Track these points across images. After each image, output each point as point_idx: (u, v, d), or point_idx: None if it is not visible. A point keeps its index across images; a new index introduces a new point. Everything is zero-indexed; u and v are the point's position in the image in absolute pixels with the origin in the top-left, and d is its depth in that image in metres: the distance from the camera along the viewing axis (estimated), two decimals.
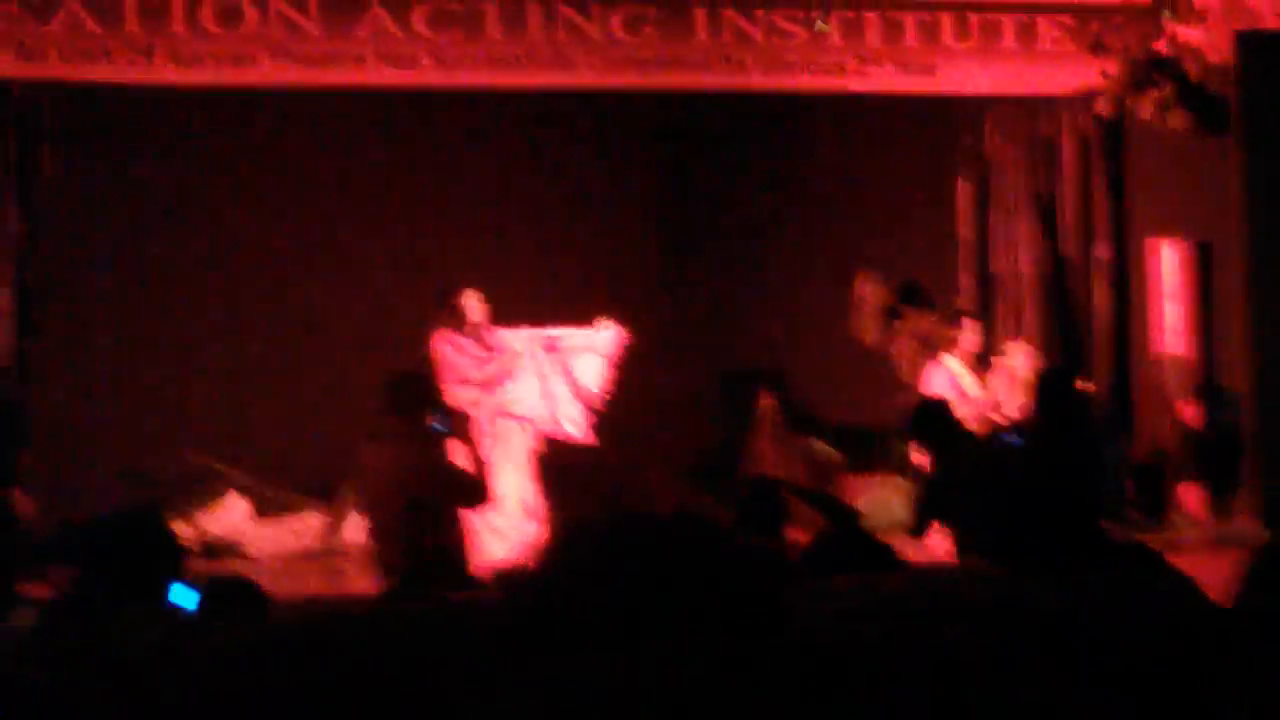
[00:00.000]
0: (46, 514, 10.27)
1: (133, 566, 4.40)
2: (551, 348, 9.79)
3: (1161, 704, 2.32)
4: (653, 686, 1.54)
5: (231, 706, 2.29)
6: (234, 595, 3.95)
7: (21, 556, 7.88)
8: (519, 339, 9.65)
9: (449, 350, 9.45)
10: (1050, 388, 7.76)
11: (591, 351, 9.82)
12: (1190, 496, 10.86)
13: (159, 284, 11.10)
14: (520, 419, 9.52)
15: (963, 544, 6.95)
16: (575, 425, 9.72)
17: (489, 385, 9.40)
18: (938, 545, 7.16)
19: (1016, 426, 7.64)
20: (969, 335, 10.30)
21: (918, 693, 1.61)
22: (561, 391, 9.71)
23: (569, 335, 9.89)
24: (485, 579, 6.37)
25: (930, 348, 10.42)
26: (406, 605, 2.33)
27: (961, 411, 10.09)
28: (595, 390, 9.80)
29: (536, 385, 9.62)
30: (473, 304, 9.47)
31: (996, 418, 10.06)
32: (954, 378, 10.21)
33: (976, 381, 10.33)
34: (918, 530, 7.18)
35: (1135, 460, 11.21)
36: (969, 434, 7.71)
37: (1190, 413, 10.91)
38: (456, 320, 9.49)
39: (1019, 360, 10.25)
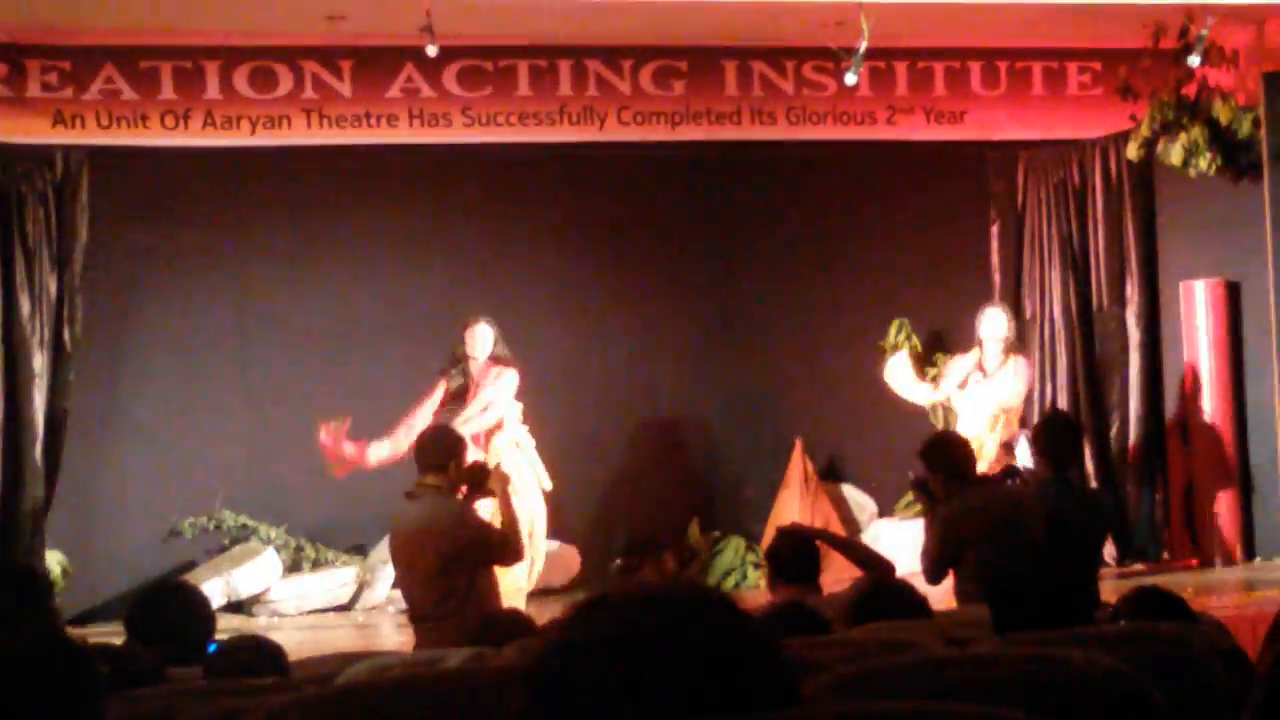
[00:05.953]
0: (81, 574, 10.37)
1: (170, 634, 4.46)
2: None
3: None
4: None
5: None
6: (250, 655, 3.97)
7: None
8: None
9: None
10: (1053, 437, 7.64)
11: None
12: (1229, 536, 10.81)
13: (194, 344, 11.16)
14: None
15: (963, 589, 6.88)
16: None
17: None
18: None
19: (1017, 473, 7.57)
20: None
21: None
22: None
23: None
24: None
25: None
26: (424, 673, 2.35)
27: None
28: None
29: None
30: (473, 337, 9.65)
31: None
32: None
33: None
34: (935, 578, 6.94)
35: (1171, 500, 11.17)
36: (981, 476, 7.53)
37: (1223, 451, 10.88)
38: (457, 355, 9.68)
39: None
